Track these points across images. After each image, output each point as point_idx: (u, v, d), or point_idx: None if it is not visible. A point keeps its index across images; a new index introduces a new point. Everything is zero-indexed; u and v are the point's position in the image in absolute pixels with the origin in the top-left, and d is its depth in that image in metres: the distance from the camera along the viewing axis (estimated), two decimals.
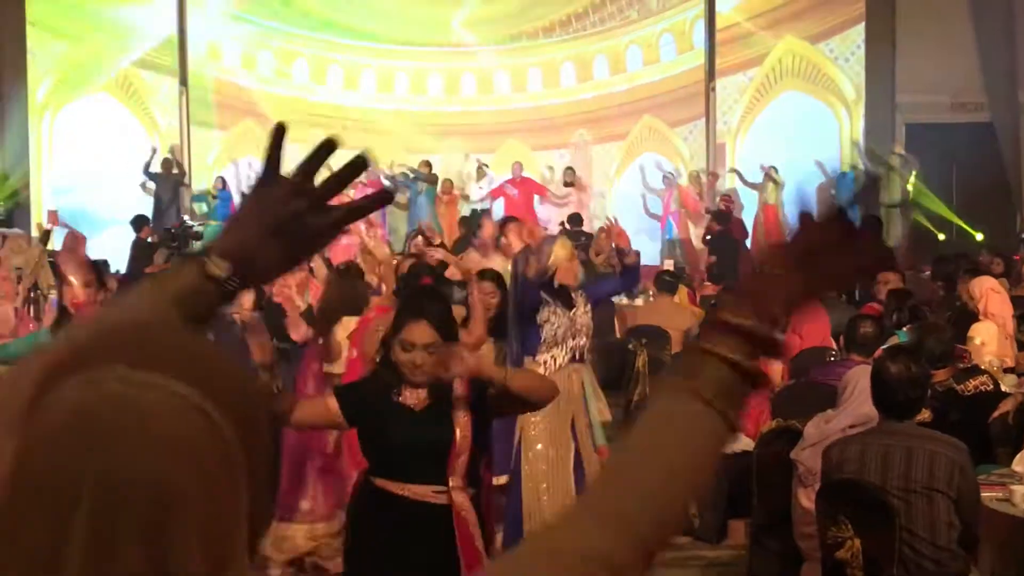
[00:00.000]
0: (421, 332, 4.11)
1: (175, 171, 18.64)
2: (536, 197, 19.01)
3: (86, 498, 0.92)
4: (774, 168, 18.61)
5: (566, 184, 19.04)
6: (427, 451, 4.08)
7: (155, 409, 0.96)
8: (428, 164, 18.82)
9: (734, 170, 19.34)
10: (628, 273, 7.38)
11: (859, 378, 5.37)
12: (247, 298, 6.74)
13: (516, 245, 8.16)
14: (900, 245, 17.90)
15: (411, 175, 18.59)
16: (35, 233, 16.52)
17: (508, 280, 7.08)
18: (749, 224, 18.30)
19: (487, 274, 7.35)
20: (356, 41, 20.64)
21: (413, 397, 4.12)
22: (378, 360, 4.28)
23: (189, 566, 0.94)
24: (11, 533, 0.93)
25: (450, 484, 4.05)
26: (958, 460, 4.66)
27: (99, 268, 9.13)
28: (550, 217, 18.40)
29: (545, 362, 6.56)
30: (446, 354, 4.00)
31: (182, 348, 1.04)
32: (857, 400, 5.32)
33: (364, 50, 20.66)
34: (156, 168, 18.49)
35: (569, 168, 19.21)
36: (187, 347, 1.05)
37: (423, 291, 5.59)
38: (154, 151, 18.50)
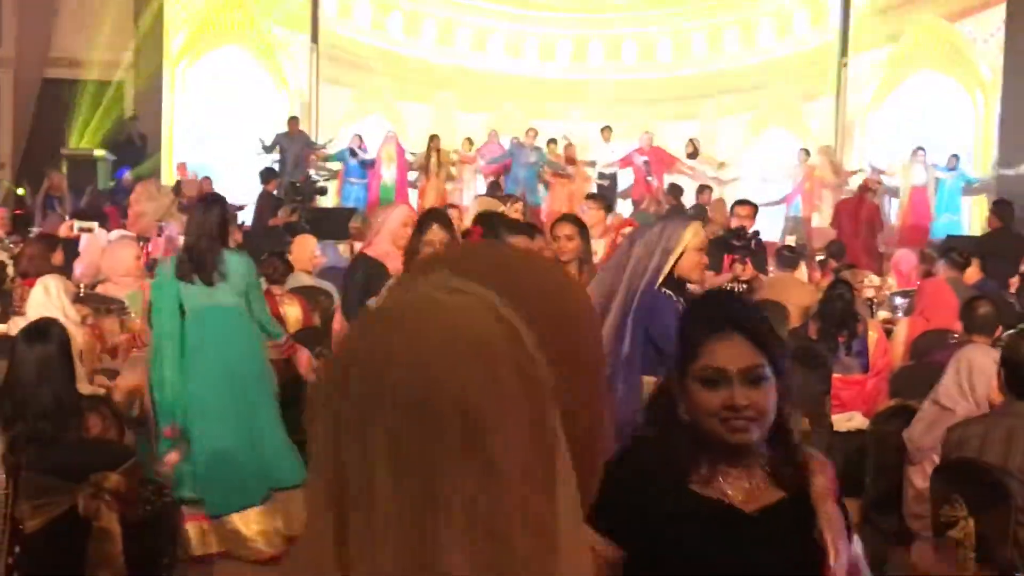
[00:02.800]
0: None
1: (301, 132, 18.78)
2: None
3: (385, 391, 0.92)
4: (922, 150, 18.23)
5: (688, 156, 18.89)
6: None
7: (456, 310, 0.96)
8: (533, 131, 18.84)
9: (873, 168, 18.83)
10: None
11: (972, 356, 5.30)
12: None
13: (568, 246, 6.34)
14: None
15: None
16: (165, 181, 16.89)
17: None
18: (893, 208, 18.12)
19: (565, 216, 6.59)
20: (486, 4, 20.66)
21: (736, 483, 2.40)
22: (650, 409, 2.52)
23: (503, 472, 0.91)
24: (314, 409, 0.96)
25: None
26: None
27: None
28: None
29: None
30: None
31: (507, 268, 1.06)
32: (970, 379, 5.25)
33: (493, 13, 20.68)
34: (276, 132, 18.53)
35: (691, 139, 19.01)
36: (512, 269, 1.06)
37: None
38: (261, 141, 18.47)
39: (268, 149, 18.19)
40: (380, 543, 0.90)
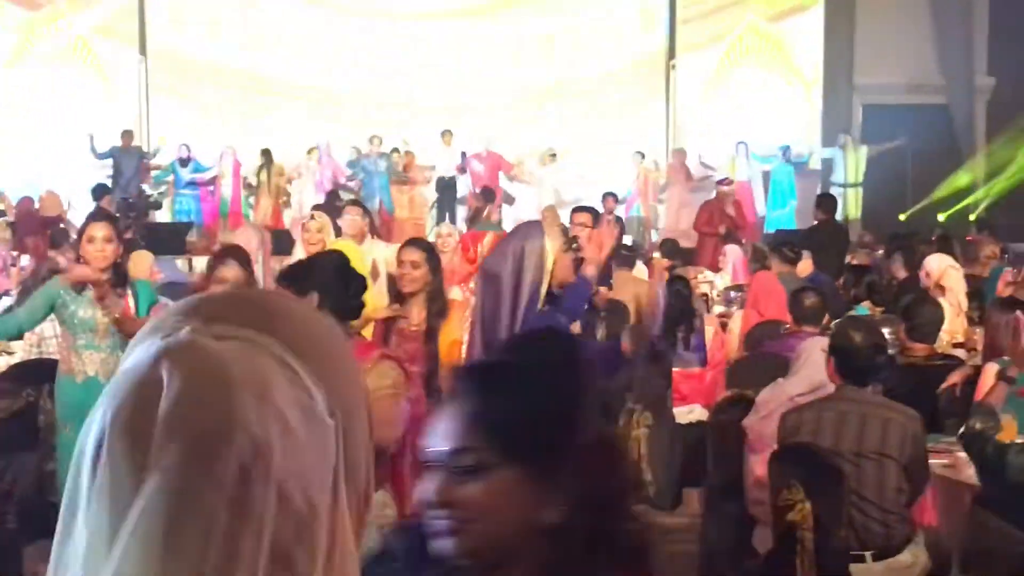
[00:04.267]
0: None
1: (136, 145, 18.45)
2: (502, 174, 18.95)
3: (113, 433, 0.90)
4: (743, 144, 18.76)
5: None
6: None
7: (227, 352, 0.93)
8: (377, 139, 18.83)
9: (705, 165, 19.25)
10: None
11: (812, 348, 5.49)
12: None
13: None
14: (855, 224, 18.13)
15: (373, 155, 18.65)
16: None
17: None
18: None
19: (413, 241, 5.86)
20: (319, 13, 20.44)
21: None
22: None
23: (265, 500, 0.89)
24: None
25: None
26: (910, 427, 4.77)
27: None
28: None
29: None
30: None
31: (281, 315, 0.99)
32: (809, 368, 5.44)
33: (327, 23, 20.45)
34: (109, 145, 18.18)
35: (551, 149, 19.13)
36: (287, 317, 1.00)
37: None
38: (91, 138, 18.19)
39: (100, 156, 17.86)
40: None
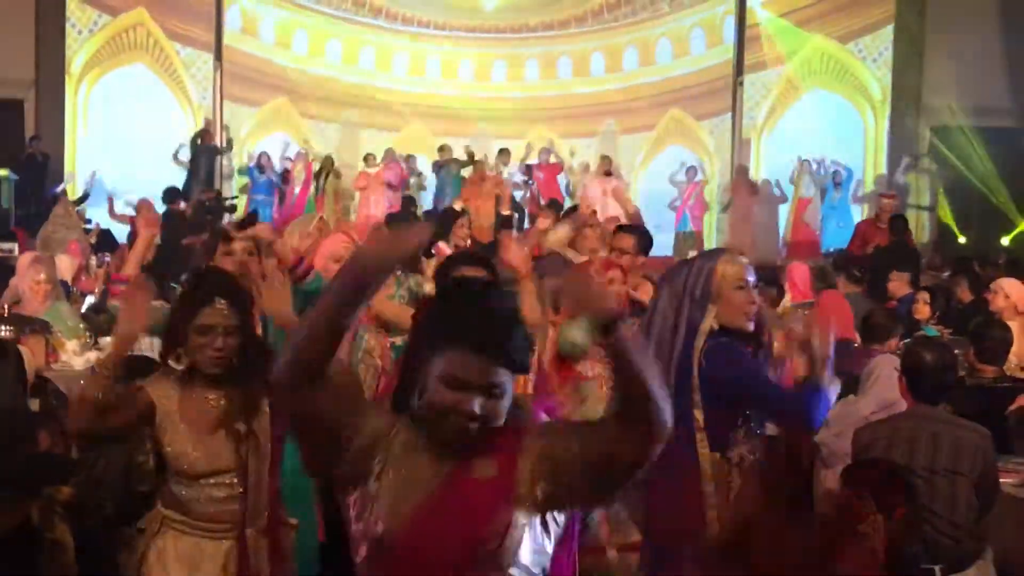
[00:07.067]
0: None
1: (214, 143, 18.80)
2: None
3: None
4: (808, 162, 18.73)
5: (605, 173, 18.86)
6: None
7: None
8: (447, 148, 18.98)
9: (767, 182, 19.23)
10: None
11: (883, 366, 5.60)
12: None
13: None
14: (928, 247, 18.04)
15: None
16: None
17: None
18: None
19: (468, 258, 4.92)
20: (389, 24, 20.84)
21: None
22: None
23: None
24: None
25: None
26: (982, 446, 4.89)
27: None
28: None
29: (741, 459, 4.10)
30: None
31: None
32: (880, 387, 5.55)
33: (397, 33, 20.85)
34: (182, 147, 18.60)
35: (605, 156, 18.94)
36: None
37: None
38: (176, 155, 18.65)
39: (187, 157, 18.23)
40: None
